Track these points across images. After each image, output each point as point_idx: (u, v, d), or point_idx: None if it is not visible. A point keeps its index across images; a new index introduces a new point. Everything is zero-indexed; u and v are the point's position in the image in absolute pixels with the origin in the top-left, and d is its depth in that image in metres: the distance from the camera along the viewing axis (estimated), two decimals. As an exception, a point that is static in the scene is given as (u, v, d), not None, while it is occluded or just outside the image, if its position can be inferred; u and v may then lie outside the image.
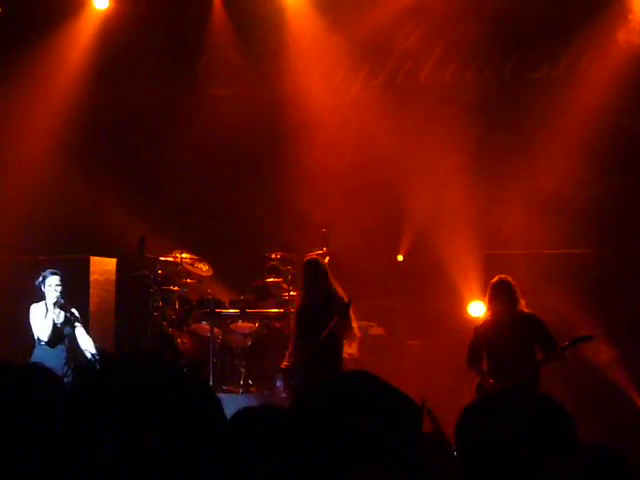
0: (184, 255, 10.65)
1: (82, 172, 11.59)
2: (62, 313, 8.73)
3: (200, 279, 10.87)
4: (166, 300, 10.59)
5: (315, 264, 8.31)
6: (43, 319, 8.70)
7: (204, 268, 10.83)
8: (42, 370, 2.13)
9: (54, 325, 8.68)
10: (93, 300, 10.52)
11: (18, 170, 11.65)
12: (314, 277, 8.22)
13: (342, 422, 1.82)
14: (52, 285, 8.74)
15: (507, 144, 10.98)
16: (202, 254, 10.88)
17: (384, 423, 1.83)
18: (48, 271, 8.89)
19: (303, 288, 8.46)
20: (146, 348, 10.24)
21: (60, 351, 8.70)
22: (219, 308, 10.39)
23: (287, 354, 8.56)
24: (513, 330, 7.83)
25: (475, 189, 10.94)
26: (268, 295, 10.48)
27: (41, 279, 8.83)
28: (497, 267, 9.23)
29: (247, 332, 10.37)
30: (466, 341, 8.18)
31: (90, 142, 12.13)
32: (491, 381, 7.79)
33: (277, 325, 10.39)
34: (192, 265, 10.75)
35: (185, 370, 1.70)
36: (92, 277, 10.61)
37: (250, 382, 10.14)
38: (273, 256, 10.61)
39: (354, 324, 8.22)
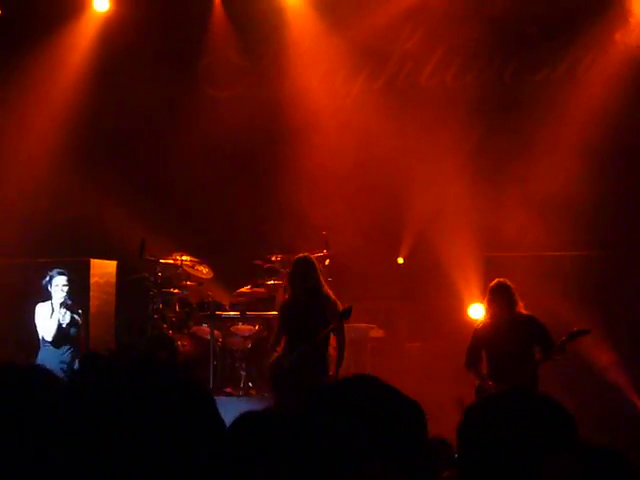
0: (184, 257, 10.65)
1: (82, 174, 11.59)
2: (68, 313, 8.73)
3: (200, 281, 10.87)
4: (166, 302, 10.59)
5: (305, 261, 8.27)
6: (48, 319, 8.70)
7: (204, 270, 10.83)
8: (42, 372, 2.13)
9: (59, 325, 8.67)
10: (93, 302, 10.51)
11: (18, 172, 11.65)
12: (303, 274, 8.17)
13: (346, 426, 1.82)
14: (59, 285, 8.74)
15: (507, 146, 10.98)
16: (202, 256, 10.88)
17: (389, 427, 1.83)
18: (55, 271, 8.88)
19: (291, 283, 8.39)
20: (139, 348, 10.24)
21: (65, 352, 8.69)
22: (219, 310, 10.38)
23: (271, 347, 8.52)
24: (512, 332, 7.83)
25: (475, 191, 10.93)
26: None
27: (48, 279, 8.83)
28: (497, 269, 9.23)
29: (247, 334, 10.37)
30: (466, 343, 8.18)
31: (90, 144, 12.13)
32: (490, 384, 7.80)
33: (277, 327, 10.39)
34: (192, 267, 10.75)
35: (179, 369, 1.68)
36: (92, 279, 10.61)
37: (250, 385, 10.13)
38: (273, 258, 10.62)
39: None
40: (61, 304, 8.67)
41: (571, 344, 7.80)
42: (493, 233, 10.58)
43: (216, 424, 1.61)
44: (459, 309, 10.46)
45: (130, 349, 10.62)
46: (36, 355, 8.71)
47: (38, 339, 8.78)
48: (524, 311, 7.94)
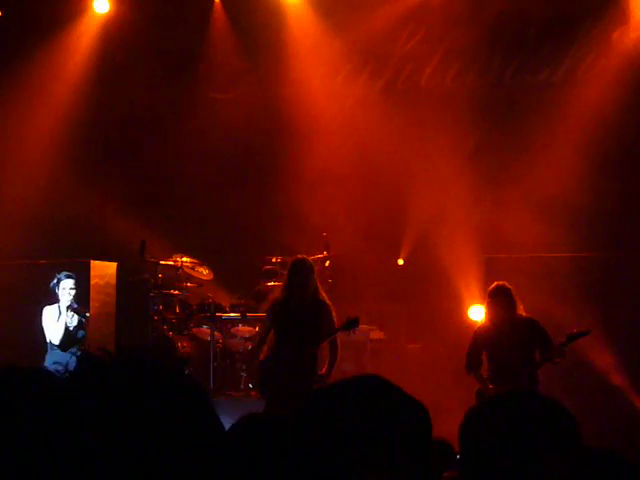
0: (184, 259, 10.65)
1: (83, 176, 11.60)
2: (75, 317, 8.70)
3: (200, 283, 10.87)
4: (166, 304, 10.59)
5: (302, 263, 8.15)
6: (56, 322, 8.68)
7: (204, 272, 10.83)
8: (44, 374, 2.13)
9: (66, 328, 8.65)
10: (93, 304, 10.50)
11: (19, 173, 11.65)
12: (299, 276, 8.04)
13: (351, 426, 1.82)
14: (66, 288, 8.72)
15: (508, 147, 10.99)
16: (202, 258, 10.88)
17: (395, 427, 1.83)
18: (63, 274, 8.85)
19: (286, 284, 8.26)
20: (138, 350, 10.21)
21: (72, 355, 8.67)
22: (219, 312, 10.38)
23: (257, 345, 8.44)
24: (513, 334, 7.82)
25: (476, 192, 10.94)
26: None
27: (55, 281, 8.81)
28: (498, 270, 9.24)
29: (247, 336, 10.37)
30: (466, 345, 8.16)
31: (90, 146, 12.14)
32: (491, 387, 7.79)
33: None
34: (192, 269, 10.75)
35: (174, 368, 1.68)
36: (93, 281, 10.60)
37: (250, 386, 10.13)
38: (274, 260, 10.62)
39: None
40: (68, 307, 8.66)
41: (570, 345, 7.79)
42: (494, 234, 10.58)
43: (214, 426, 1.61)
44: (459, 310, 10.46)
45: (130, 350, 10.60)
46: (43, 358, 8.68)
47: (45, 342, 8.75)
48: (524, 314, 7.93)
